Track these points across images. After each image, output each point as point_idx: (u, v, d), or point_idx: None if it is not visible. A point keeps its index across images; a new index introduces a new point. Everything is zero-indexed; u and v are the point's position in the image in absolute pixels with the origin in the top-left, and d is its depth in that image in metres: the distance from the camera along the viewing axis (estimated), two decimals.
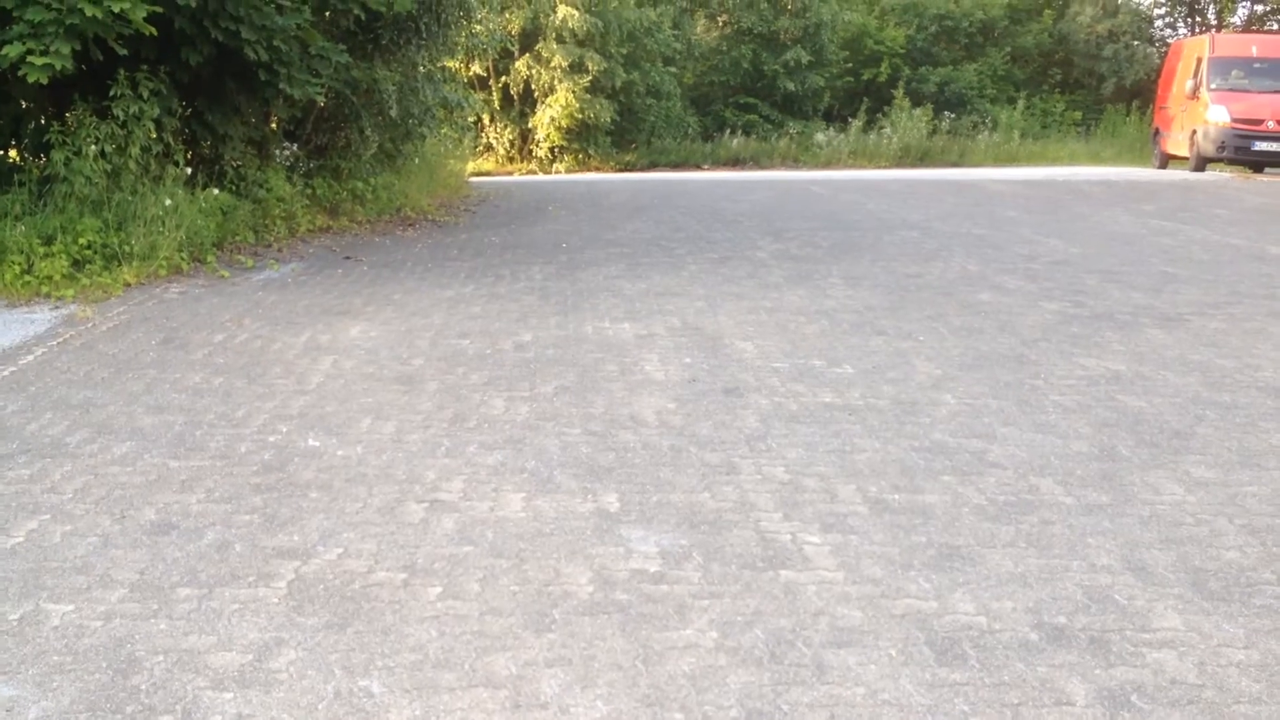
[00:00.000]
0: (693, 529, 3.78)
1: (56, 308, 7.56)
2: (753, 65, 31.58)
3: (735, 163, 28.84)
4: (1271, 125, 21.14)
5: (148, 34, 8.70)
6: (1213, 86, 21.83)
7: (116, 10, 8.20)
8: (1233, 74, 22.00)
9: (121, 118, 9.08)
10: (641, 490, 4.15)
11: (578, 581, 3.36)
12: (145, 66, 9.34)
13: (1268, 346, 6.52)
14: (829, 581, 3.36)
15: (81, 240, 8.50)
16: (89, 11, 8.10)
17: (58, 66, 8.25)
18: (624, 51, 28.34)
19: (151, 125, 9.32)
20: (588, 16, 26.91)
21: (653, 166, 28.46)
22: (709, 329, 7.01)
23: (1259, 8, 36.39)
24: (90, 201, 8.88)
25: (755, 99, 31.76)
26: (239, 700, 2.68)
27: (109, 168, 8.99)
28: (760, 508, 3.98)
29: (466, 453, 4.59)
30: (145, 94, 9.21)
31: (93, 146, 8.90)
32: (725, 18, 33.37)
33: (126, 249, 8.68)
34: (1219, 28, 34.75)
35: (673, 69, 31.05)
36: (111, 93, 9.11)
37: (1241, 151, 21.33)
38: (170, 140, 9.71)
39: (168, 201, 9.17)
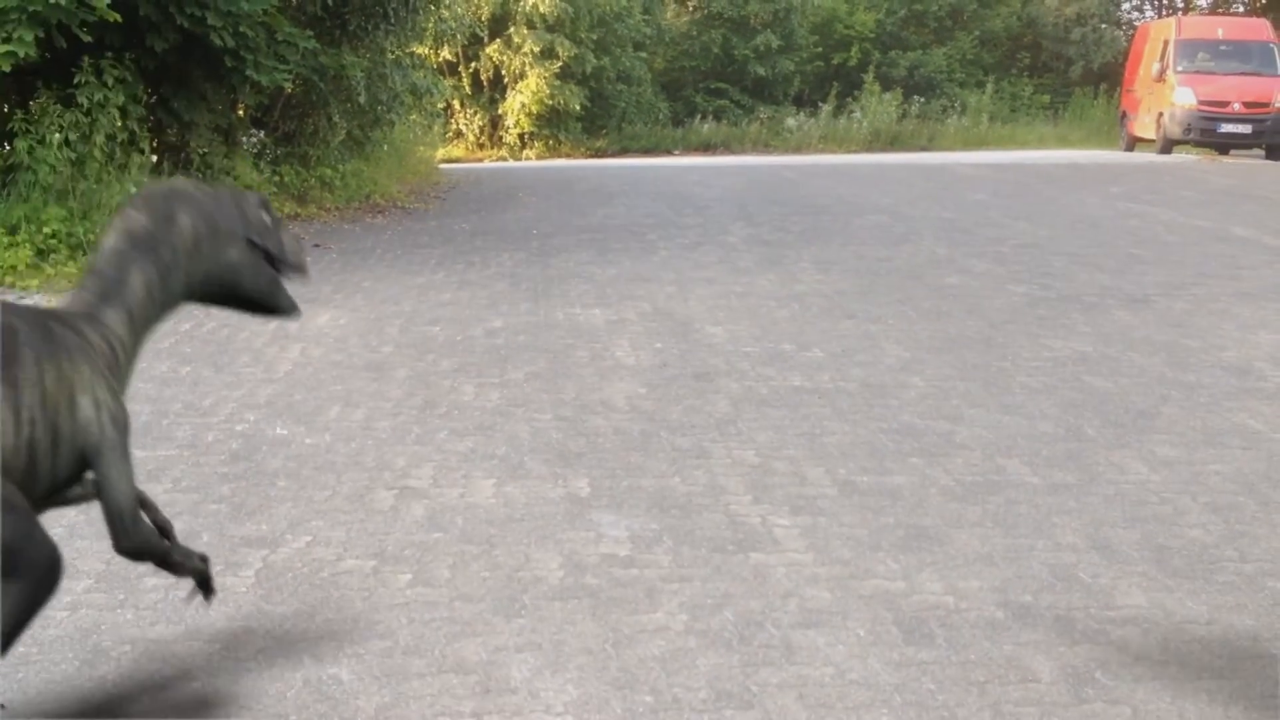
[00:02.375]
0: (663, 513, 3.79)
1: (21, 298, 7.48)
2: (723, 50, 31.52)
3: (706, 148, 28.80)
4: (1237, 107, 21.30)
5: (112, 20, 8.60)
6: (1179, 69, 21.97)
7: None
8: (1199, 56, 22.14)
9: (86, 106, 8.98)
10: (612, 475, 4.16)
11: (548, 566, 3.36)
12: (110, 54, 9.23)
13: (1232, 327, 6.59)
14: (798, 563, 3.38)
15: (46, 230, 8.41)
16: None
17: (21, 54, 8.15)
18: (594, 37, 28.23)
19: (116, 113, 9.21)
20: (558, 2, 26.79)
21: (624, 152, 28.38)
22: (680, 314, 7.02)
23: None
24: (55, 190, 8.78)
25: (726, 84, 31.72)
26: (207, 690, 2.67)
27: (73, 156, 8.89)
28: (730, 491, 4.00)
29: (436, 439, 4.59)
30: (110, 81, 9.11)
31: (57, 135, 8.79)
32: (695, 2, 33.29)
33: (92, 238, 8.59)
34: (1185, 10, 34.96)
35: (643, 54, 30.95)
36: (76, 80, 9.00)
37: (1208, 134, 21.48)
38: (136, 128, 9.61)
39: (133, 190, 9.09)
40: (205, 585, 2.73)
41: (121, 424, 2.36)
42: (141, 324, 2.49)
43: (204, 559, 2.70)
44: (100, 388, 2.31)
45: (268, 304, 2.82)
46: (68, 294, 2.47)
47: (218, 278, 2.65)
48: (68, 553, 3.44)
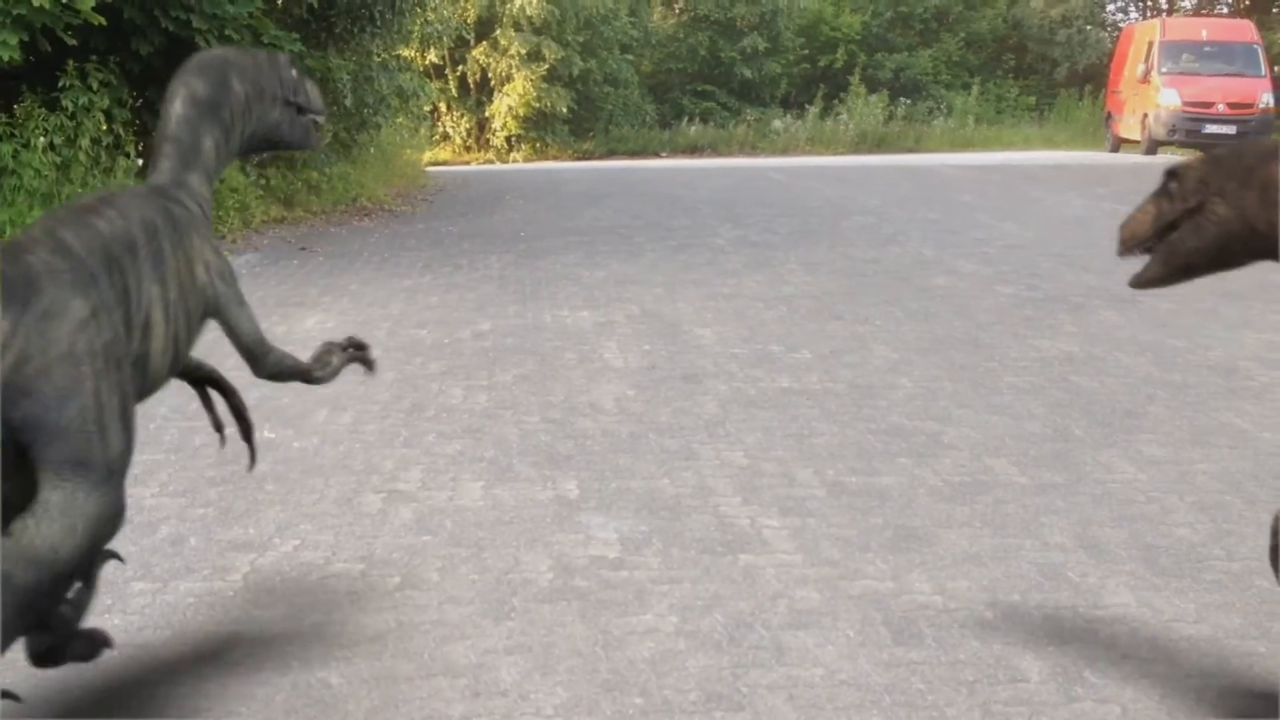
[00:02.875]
0: (652, 515, 3.79)
1: None
2: (710, 52, 31.55)
3: (693, 150, 28.83)
4: (1222, 108, 21.41)
5: (97, 24, 8.58)
6: (1164, 70, 22.08)
7: (64, 0, 8.08)
8: (1183, 57, 22.25)
9: (71, 109, 8.96)
10: (601, 477, 4.16)
11: (537, 569, 3.36)
12: (95, 57, 9.21)
13: (1217, 327, 6.62)
14: (787, 564, 3.38)
15: None
16: (37, 2, 7.97)
17: (5, 58, 8.12)
18: (581, 39, 28.23)
19: (101, 116, 9.19)
20: (544, 4, 26.78)
21: (610, 155, 28.38)
22: (668, 316, 7.02)
23: None
24: (40, 194, 8.75)
25: (712, 86, 31.75)
26: (194, 694, 2.66)
27: (58, 160, 8.87)
28: (719, 492, 4.00)
29: (424, 442, 4.58)
30: (95, 85, 9.09)
31: (42, 138, 8.77)
32: (682, 5, 33.31)
33: None
34: (1170, 12, 35.11)
35: (630, 57, 30.96)
36: (60, 84, 8.98)
37: (1192, 134, 21.58)
38: (121, 131, 9.59)
39: (128, 182, 9.07)
40: (366, 363, 3.16)
41: (229, 276, 2.67)
42: (213, 181, 2.74)
43: (349, 348, 3.08)
44: (207, 250, 2.57)
45: (301, 147, 3.14)
46: (155, 163, 2.67)
47: (263, 134, 2.93)
48: None
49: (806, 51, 33.47)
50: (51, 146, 8.82)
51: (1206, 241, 2.42)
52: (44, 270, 2.10)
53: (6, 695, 2.28)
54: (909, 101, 31.13)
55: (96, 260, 2.20)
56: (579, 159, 27.52)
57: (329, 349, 2.99)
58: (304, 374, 2.93)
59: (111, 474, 2.18)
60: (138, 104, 10.38)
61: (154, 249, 2.35)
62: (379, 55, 14.73)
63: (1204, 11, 35.12)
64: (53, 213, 2.32)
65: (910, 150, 27.87)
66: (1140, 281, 2.61)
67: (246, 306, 2.72)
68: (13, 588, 2.04)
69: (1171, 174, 2.49)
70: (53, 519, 2.08)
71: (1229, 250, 2.43)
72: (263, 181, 12.24)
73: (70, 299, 2.10)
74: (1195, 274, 2.52)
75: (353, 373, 5.64)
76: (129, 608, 3.11)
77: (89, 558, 2.21)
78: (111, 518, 2.20)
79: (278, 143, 3.03)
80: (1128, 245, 2.57)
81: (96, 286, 2.17)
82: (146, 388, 2.47)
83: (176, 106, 2.66)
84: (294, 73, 3.02)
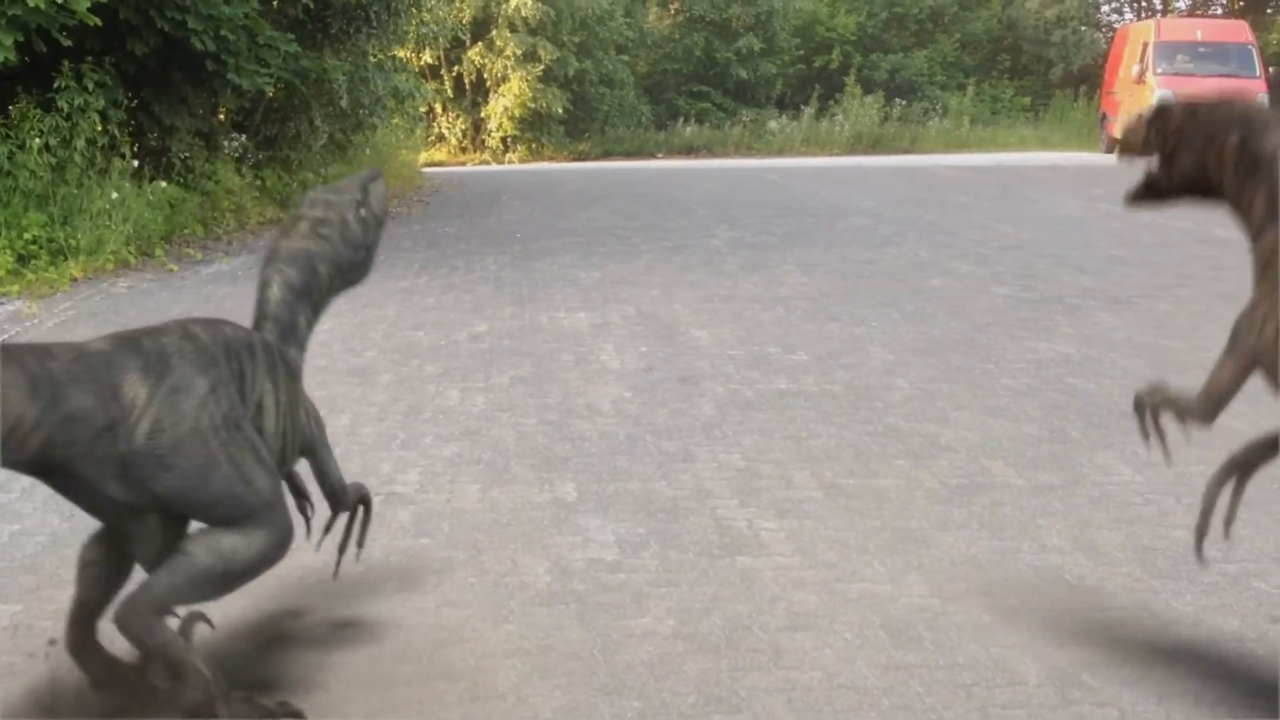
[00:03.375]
0: (650, 517, 3.79)
1: (1, 304, 7.44)
2: (705, 53, 31.58)
3: (689, 151, 28.86)
4: None
5: (92, 25, 8.57)
6: (1158, 71, 22.13)
7: (60, 1, 8.06)
8: (1178, 58, 22.30)
9: (66, 110, 8.94)
10: (598, 479, 4.16)
11: (535, 572, 3.36)
12: (90, 58, 9.20)
13: (1214, 328, 6.61)
14: (785, 567, 3.38)
15: (26, 235, 8.37)
16: (32, 2, 7.97)
17: (0, 59, 8.11)
18: (576, 40, 28.25)
19: (97, 117, 9.18)
20: (540, 5, 26.80)
21: (606, 156, 28.40)
22: (664, 317, 7.02)
23: None
24: (35, 195, 8.74)
25: (708, 87, 31.78)
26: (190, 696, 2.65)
27: (54, 161, 8.86)
28: (716, 495, 4.00)
29: (422, 445, 4.58)
30: (90, 86, 9.07)
31: (37, 140, 8.75)
32: (677, 5, 33.33)
33: (73, 243, 8.56)
34: (1164, 12, 35.17)
35: (625, 57, 30.99)
36: (56, 85, 8.97)
37: None
38: (116, 132, 9.57)
39: (114, 195, 9.06)
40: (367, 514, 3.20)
41: (321, 424, 2.94)
42: (304, 354, 2.95)
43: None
44: (306, 400, 2.86)
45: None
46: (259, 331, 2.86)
47: (341, 288, 3.12)
48: (54, 562, 3.43)
49: (802, 52, 33.51)
50: (47, 148, 8.80)
51: (1175, 182, 2.70)
52: (175, 351, 2.33)
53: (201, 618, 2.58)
54: (904, 102, 31.18)
55: (218, 349, 2.44)
56: (575, 160, 27.54)
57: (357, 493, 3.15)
58: (367, 508, 3.19)
59: (270, 505, 2.45)
60: (133, 105, 10.36)
61: (269, 359, 2.59)
62: (375, 56, 14.73)
63: (1199, 12, 35.19)
64: (188, 318, 2.55)
65: (906, 151, 27.91)
66: (1128, 199, 2.87)
67: (332, 453, 2.99)
68: (191, 562, 2.32)
69: (1160, 111, 2.72)
70: (235, 534, 2.37)
71: (1196, 190, 2.68)
72: (259, 183, 12.24)
73: (195, 377, 2.33)
74: (1172, 204, 2.81)
75: (350, 374, 5.65)
76: None
77: (236, 588, 2.48)
78: (281, 544, 2.51)
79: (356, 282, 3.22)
80: (1122, 153, 2.84)
81: (216, 366, 2.39)
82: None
83: (274, 291, 2.87)
84: (360, 212, 3.10)
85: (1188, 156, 2.62)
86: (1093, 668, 2.78)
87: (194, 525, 2.41)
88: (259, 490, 2.40)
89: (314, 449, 2.90)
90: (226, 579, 2.39)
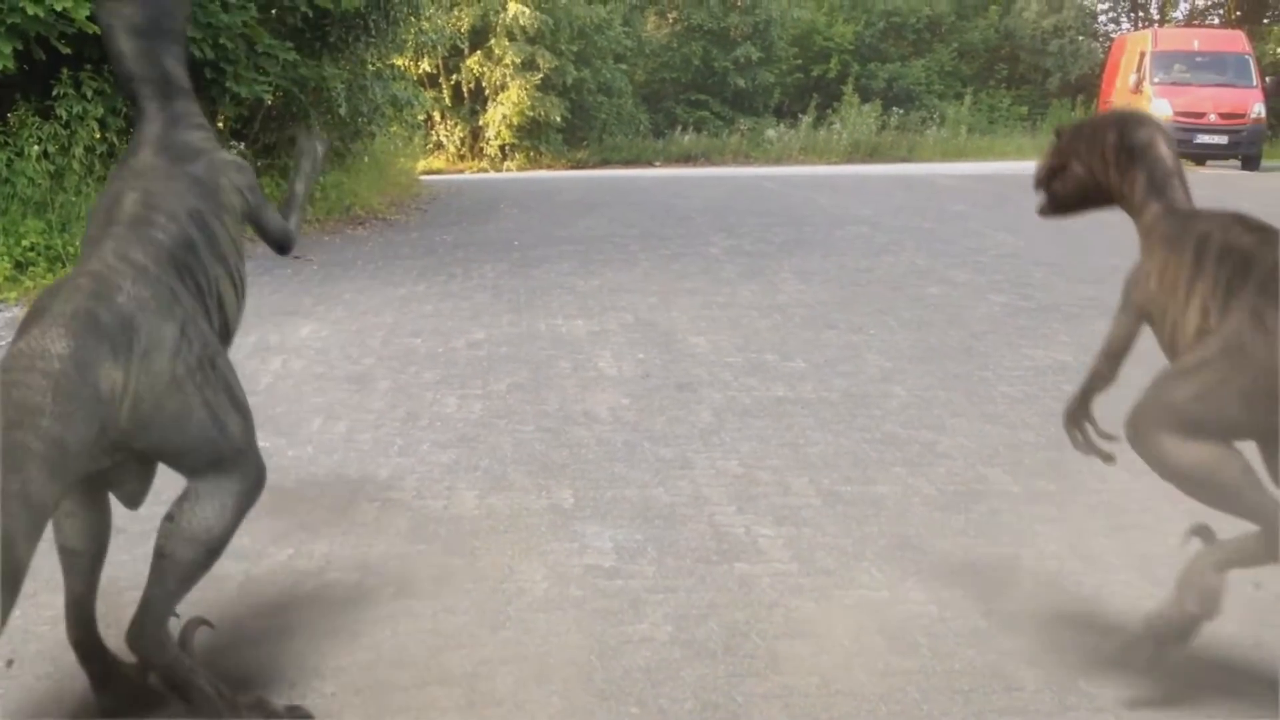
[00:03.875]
0: (647, 524, 3.79)
1: None
2: (703, 62, 31.64)
3: (687, 159, 28.87)
4: (1213, 119, 21.49)
5: (91, 33, 8.56)
6: (1155, 80, 22.16)
7: (59, 9, 8.07)
8: (1175, 68, 22.34)
9: (65, 118, 8.95)
10: (595, 486, 4.16)
11: (532, 578, 3.36)
12: (89, 66, 9.20)
13: None
14: (783, 573, 3.38)
15: (24, 242, 8.36)
16: (30, 10, 7.97)
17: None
18: (575, 49, 28.28)
19: (95, 125, 9.18)
20: (538, 14, 26.84)
21: (604, 164, 28.41)
22: (662, 324, 7.03)
23: (1200, 2, 37.00)
24: (33, 203, 8.73)
25: (706, 95, 31.82)
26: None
27: (52, 168, 8.85)
28: (714, 501, 4.00)
29: (419, 451, 4.58)
30: (89, 94, 9.07)
31: (35, 147, 8.75)
32: (675, 15, 33.40)
33: (71, 251, 8.55)
34: (1161, 22, 35.26)
35: (623, 66, 31.02)
36: (54, 92, 8.97)
37: (1184, 145, 21.58)
38: (115, 140, 9.57)
39: None
40: None
41: (254, 184, 2.87)
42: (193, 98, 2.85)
43: None
44: (231, 172, 2.77)
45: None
46: (140, 113, 2.78)
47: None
48: (48, 566, 3.42)
49: (800, 61, 33.57)
50: (45, 155, 8.80)
51: (1070, 190, 3.08)
52: (136, 308, 2.20)
53: (204, 623, 2.61)
54: (902, 111, 31.20)
55: (170, 274, 2.34)
56: (573, 168, 27.54)
57: None
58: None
59: (240, 451, 2.40)
60: (132, 113, 10.36)
61: (207, 235, 2.48)
62: (373, 64, 14.73)
63: (1196, 22, 35.28)
64: (112, 233, 2.38)
65: (903, 160, 27.94)
66: (1038, 212, 3.28)
67: (268, 204, 2.90)
68: (175, 564, 2.33)
69: (1057, 133, 3.13)
70: (204, 502, 2.34)
71: (1089, 197, 3.06)
72: None
73: (162, 326, 2.23)
74: (1074, 212, 3.18)
75: (347, 381, 5.65)
76: (123, 618, 3.09)
77: (237, 527, 2.44)
78: (254, 487, 2.45)
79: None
80: (1035, 183, 3.20)
81: (179, 301, 2.31)
82: (229, 340, 2.71)
83: (120, 44, 2.64)
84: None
85: (1078, 166, 3.01)
86: (1090, 674, 2.78)
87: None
88: (231, 435, 2.37)
89: (254, 217, 2.84)
90: (212, 553, 2.39)
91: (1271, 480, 2.67)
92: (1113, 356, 3.01)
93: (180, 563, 2.33)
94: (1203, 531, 2.82)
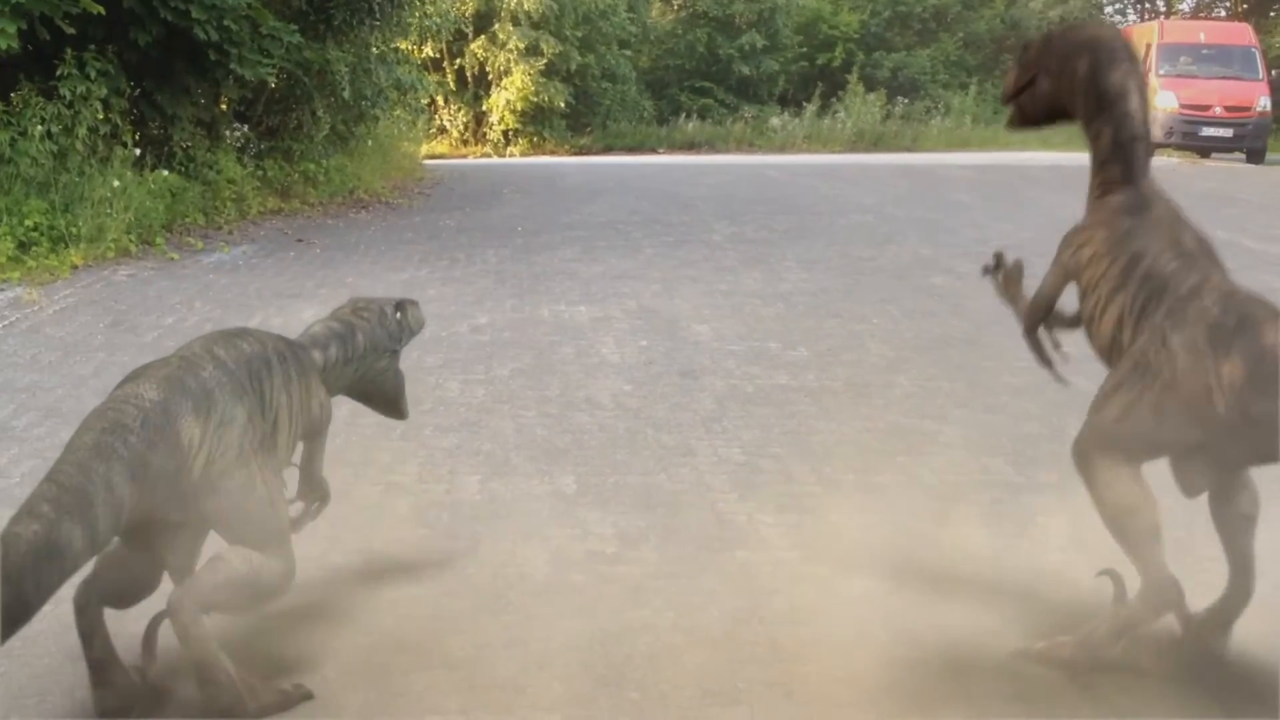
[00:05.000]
0: (649, 510, 3.79)
1: (2, 290, 7.44)
2: (708, 49, 31.54)
3: (690, 147, 28.81)
4: (1219, 111, 21.43)
5: (95, 13, 8.56)
6: (1161, 72, 22.07)
7: None
8: (1181, 60, 22.26)
9: (68, 98, 8.93)
10: (598, 472, 4.16)
11: (534, 563, 3.36)
12: (93, 46, 9.18)
13: None
14: (784, 561, 3.38)
15: (28, 222, 8.36)
16: None
17: (3, 46, 8.11)
18: (579, 34, 28.21)
19: (99, 106, 9.16)
20: None
21: (608, 150, 28.37)
22: (665, 311, 7.02)
23: None
24: (36, 183, 8.73)
25: (710, 83, 31.73)
26: (188, 687, 2.64)
27: (55, 149, 8.84)
28: (716, 489, 4.00)
29: (421, 436, 4.58)
30: (93, 74, 9.06)
31: (39, 127, 8.74)
32: (680, 1, 33.31)
33: (74, 231, 8.55)
34: (1167, 14, 35.15)
35: (628, 52, 30.95)
36: (58, 73, 8.95)
37: (1189, 137, 21.60)
38: (118, 121, 9.55)
39: (115, 183, 9.04)
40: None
41: (328, 420, 3.06)
42: (326, 386, 3.03)
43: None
44: (321, 393, 2.96)
45: (394, 404, 3.40)
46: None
47: (370, 379, 3.23)
48: None
49: (805, 49, 33.46)
50: (49, 135, 8.79)
51: (1038, 105, 3.01)
52: (215, 384, 2.49)
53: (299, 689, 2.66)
54: (907, 100, 31.14)
55: (243, 373, 2.59)
56: (576, 154, 27.50)
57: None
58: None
59: (283, 536, 2.63)
60: (135, 94, 10.34)
61: (284, 371, 2.73)
62: (377, 48, 14.71)
63: (1202, 14, 35.18)
64: (206, 335, 2.72)
65: (908, 149, 27.88)
66: (1006, 125, 3.26)
67: (324, 445, 3.12)
68: (227, 569, 2.49)
69: (1025, 47, 3.06)
70: (242, 557, 2.51)
71: (1055, 111, 3.00)
72: (260, 173, 12.22)
73: (235, 407, 2.51)
74: (1043, 125, 3.12)
75: None
76: (126, 619, 3.09)
77: (256, 607, 2.69)
78: (289, 574, 2.63)
79: (375, 395, 3.33)
80: (1004, 98, 3.15)
81: (248, 394, 2.57)
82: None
83: (316, 327, 3.08)
84: (396, 314, 3.27)
85: (1045, 81, 2.94)
86: (1093, 668, 2.78)
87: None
88: (280, 517, 2.60)
89: (313, 436, 3.02)
90: (252, 593, 2.55)
91: (1182, 491, 2.86)
92: (1038, 310, 3.21)
93: (234, 569, 2.49)
94: (1113, 575, 2.90)
